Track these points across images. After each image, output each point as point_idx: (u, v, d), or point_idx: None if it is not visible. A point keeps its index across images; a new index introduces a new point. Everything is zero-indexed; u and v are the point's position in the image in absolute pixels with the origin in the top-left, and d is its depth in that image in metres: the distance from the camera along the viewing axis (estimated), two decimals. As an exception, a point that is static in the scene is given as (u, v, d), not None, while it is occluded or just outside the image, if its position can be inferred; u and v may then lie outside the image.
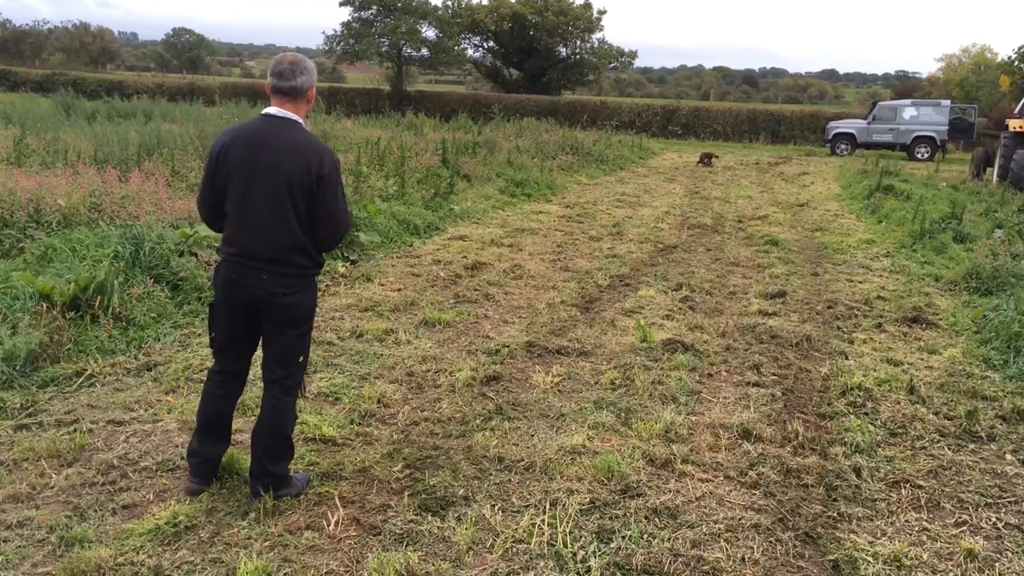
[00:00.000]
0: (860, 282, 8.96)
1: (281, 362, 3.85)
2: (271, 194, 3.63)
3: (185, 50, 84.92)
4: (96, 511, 3.68)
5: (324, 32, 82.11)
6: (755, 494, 4.13)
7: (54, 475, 4.01)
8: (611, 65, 50.47)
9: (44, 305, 5.61)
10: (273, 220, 3.64)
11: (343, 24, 44.36)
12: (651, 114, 39.05)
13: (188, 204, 8.52)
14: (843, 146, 29.77)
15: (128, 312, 6.07)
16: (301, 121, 3.76)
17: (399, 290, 7.89)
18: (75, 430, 4.49)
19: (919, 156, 28.34)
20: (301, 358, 3.91)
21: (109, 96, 31.34)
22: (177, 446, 4.40)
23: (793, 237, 11.83)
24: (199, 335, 6.19)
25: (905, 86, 58.36)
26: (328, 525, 3.69)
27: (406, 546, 3.53)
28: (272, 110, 3.73)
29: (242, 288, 3.71)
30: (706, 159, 22.89)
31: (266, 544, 3.50)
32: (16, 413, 4.69)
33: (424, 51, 45.40)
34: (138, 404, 4.90)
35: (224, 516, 3.71)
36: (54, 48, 70.11)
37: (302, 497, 3.91)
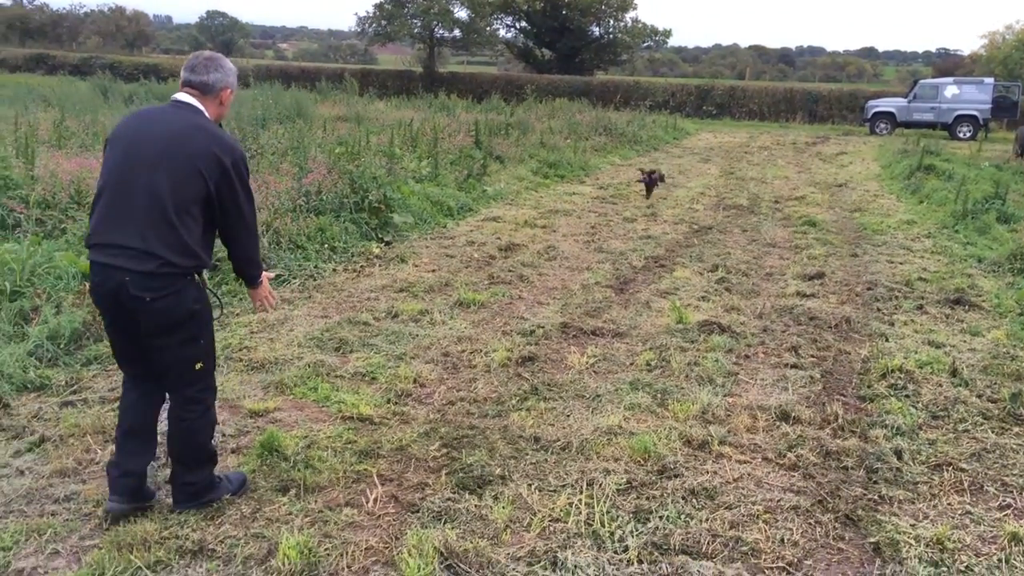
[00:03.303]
0: (901, 263, 8.82)
1: (170, 372, 3.44)
2: (159, 175, 3.19)
3: (219, 33, 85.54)
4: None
5: (356, 14, 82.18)
6: (794, 476, 4.10)
7: (99, 450, 4.09)
8: (645, 44, 49.98)
9: (87, 285, 5.69)
10: (154, 206, 3.18)
11: (375, 5, 44.38)
12: (685, 94, 38.64)
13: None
14: (883, 125, 29.23)
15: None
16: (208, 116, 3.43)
17: (433, 271, 7.91)
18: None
19: (961, 135, 27.74)
20: (199, 365, 3.44)
21: (145, 79, 31.70)
22: (218, 424, 4.45)
23: (831, 218, 11.67)
24: (236, 314, 6.26)
25: (947, 64, 57.11)
26: (367, 502, 3.72)
27: (444, 523, 3.55)
28: (181, 96, 3.42)
29: (107, 294, 3.27)
30: (648, 179, 13.09)
31: (306, 520, 3.55)
32: (61, 390, 4.78)
33: (456, 32, 45.32)
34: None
35: (265, 492, 3.76)
36: (90, 32, 70.87)
37: (341, 474, 3.94)
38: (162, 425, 3.62)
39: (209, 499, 3.60)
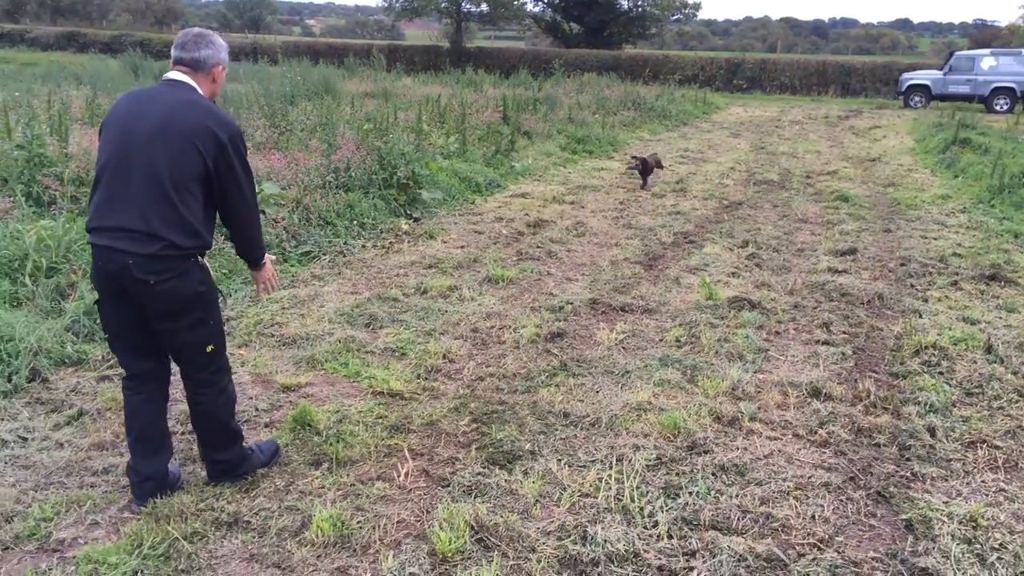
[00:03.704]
0: (935, 239, 8.68)
1: (182, 357, 3.42)
2: (156, 152, 3.15)
3: (247, 9, 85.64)
4: (176, 458, 3.81)
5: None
6: (825, 452, 4.08)
7: (136, 424, 4.16)
8: (674, 17, 49.36)
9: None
10: (153, 185, 3.14)
11: (402, -20, 44.17)
12: (715, 67, 38.11)
13: (255, 163, 8.64)
14: (917, 98, 28.66)
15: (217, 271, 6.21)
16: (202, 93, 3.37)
17: (462, 247, 7.92)
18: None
19: (998, 108, 27.13)
20: (209, 348, 3.41)
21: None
22: (251, 398, 4.52)
23: (864, 193, 11.50)
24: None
25: (983, 35, 55.84)
26: (398, 476, 3.76)
27: (475, 498, 3.58)
28: (173, 74, 3.36)
29: (110, 279, 3.22)
30: (640, 164, 11.44)
31: (339, 493, 3.59)
32: (98, 365, 4.86)
33: (483, 6, 45.01)
34: (212, 357, 5.02)
35: (298, 466, 3.82)
36: (120, 9, 71.24)
37: (372, 448, 3.99)
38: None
39: (242, 472, 3.63)
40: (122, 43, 41.29)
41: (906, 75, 30.23)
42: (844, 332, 5.79)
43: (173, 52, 3.39)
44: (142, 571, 3.03)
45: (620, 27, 46.81)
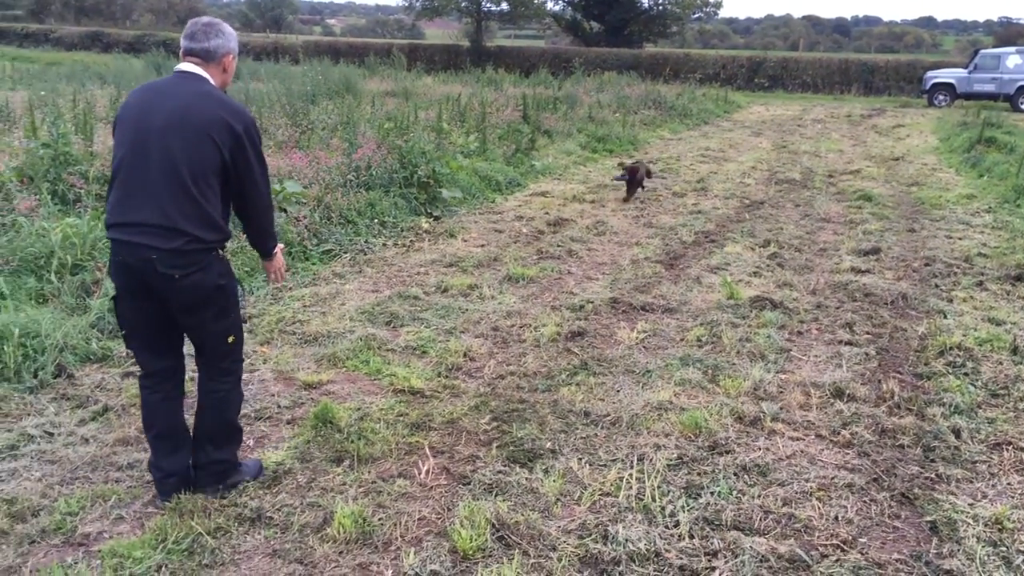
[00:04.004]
0: (960, 238, 8.59)
1: (204, 348, 3.44)
2: (172, 146, 3.13)
3: (267, 9, 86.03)
4: (199, 455, 3.83)
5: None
6: (848, 453, 4.05)
7: (159, 420, 4.19)
8: (695, 15, 49.12)
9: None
10: (171, 179, 3.12)
11: (422, -20, 44.25)
12: (736, 66, 37.89)
13: (277, 161, 8.70)
14: (941, 97, 28.36)
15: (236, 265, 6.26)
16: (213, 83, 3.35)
17: (482, 246, 7.93)
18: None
19: (1023, 107, 26.82)
20: (231, 339, 3.44)
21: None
22: (273, 395, 4.55)
23: (887, 192, 11.40)
24: (290, 288, 6.36)
25: (1009, 33, 55.19)
26: (419, 474, 3.77)
27: (495, 496, 3.58)
28: (184, 66, 3.33)
29: (133, 274, 3.21)
30: (627, 175, 10.39)
31: (360, 490, 3.61)
32: (122, 361, 4.90)
33: (503, 5, 44.98)
34: (235, 354, 5.05)
35: (319, 463, 3.83)
36: (143, 9, 71.90)
37: (393, 446, 4.00)
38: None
39: (234, 481, 3.57)
40: (145, 43, 41.66)
41: (930, 73, 29.92)
42: (867, 332, 5.74)
43: (183, 43, 3.35)
44: (166, 565, 3.06)
45: (641, 25, 46.67)
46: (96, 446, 3.95)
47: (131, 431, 4.06)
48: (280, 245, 3.79)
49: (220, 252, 3.33)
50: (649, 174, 10.83)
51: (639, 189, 10.50)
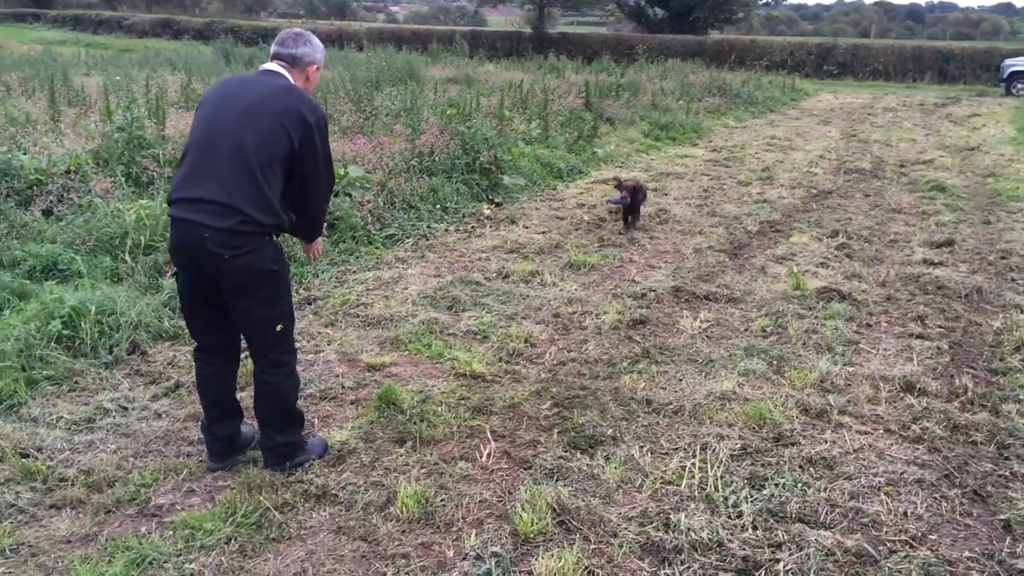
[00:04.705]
0: (1038, 231, 8.28)
1: (253, 334, 3.48)
2: (245, 130, 3.23)
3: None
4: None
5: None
6: (919, 449, 3.95)
7: (228, 398, 4.29)
8: (762, 2, 48.23)
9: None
10: (238, 160, 3.21)
11: (486, -34, 44.22)
12: (804, 53, 37.00)
13: (342, 146, 8.80)
14: (1020, 85, 27.27)
15: (289, 249, 6.37)
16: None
17: (543, 232, 7.92)
18: (246, 357, 4.78)
19: (1107, 95, 25.68)
20: (279, 327, 3.46)
21: (264, 42, 32.66)
22: (338, 376, 4.63)
23: (962, 183, 11.04)
24: (354, 272, 6.44)
25: (1095, 18, 52.74)
26: (480, 457, 3.80)
27: (556, 481, 3.59)
28: (270, 65, 3.51)
29: (186, 251, 3.31)
30: (625, 201, 8.01)
31: (423, 471, 3.65)
32: (191, 340, 5.02)
33: (567, -8, 44.72)
34: (301, 336, 5.14)
35: (382, 443, 3.89)
36: (212, -3, 73.34)
37: (455, 428, 4.03)
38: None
39: (300, 461, 3.62)
40: (214, 30, 42.53)
41: (1008, 61, 28.77)
42: (940, 326, 5.58)
43: (272, 48, 3.53)
44: (235, 538, 3.14)
45: (706, 12, 45.86)
46: (168, 421, 4.07)
47: (200, 407, 4.16)
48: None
49: (274, 238, 3.39)
50: (644, 195, 8.45)
51: (637, 215, 8.27)
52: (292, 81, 3.46)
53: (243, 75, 3.57)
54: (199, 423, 3.80)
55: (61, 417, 4.02)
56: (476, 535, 3.20)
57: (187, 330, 4.96)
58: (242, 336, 3.58)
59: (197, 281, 3.38)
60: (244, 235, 3.22)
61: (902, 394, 4.53)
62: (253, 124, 3.24)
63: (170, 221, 3.36)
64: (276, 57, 3.50)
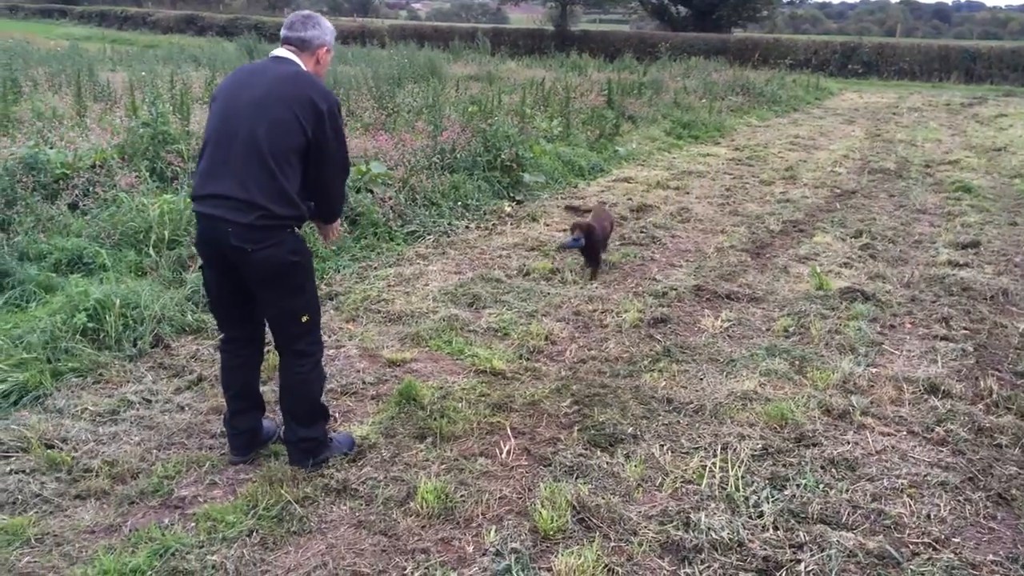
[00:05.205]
0: (1066, 233, 8.17)
1: (279, 327, 3.50)
2: (257, 121, 3.23)
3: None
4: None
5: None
6: (942, 451, 3.91)
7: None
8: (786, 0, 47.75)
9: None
10: (253, 153, 3.21)
11: (508, -36, 44.17)
12: (829, 52, 36.67)
13: (363, 143, 8.83)
14: (1048, 85, 26.94)
15: (311, 244, 6.40)
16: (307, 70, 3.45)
17: (564, 230, 7.89)
18: (268, 351, 4.81)
19: None
20: (305, 318, 3.46)
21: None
22: (358, 371, 4.65)
23: (988, 184, 10.91)
24: (375, 268, 6.47)
25: None
26: (500, 453, 3.80)
27: (576, 478, 3.59)
28: (279, 51, 3.48)
29: (211, 245, 3.36)
30: (579, 242, 6.24)
31: (443, 467, 3.66)
32: (215, 333, 5.03)
33: (589, -11, 44.59)
34: (322, 331, 5.11)
35: (403, 439, 3.90)
36: (236, -6, 73.76)
37: (475, 425, 4.03)
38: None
39: (323, 457, 3.63)
40: (238, 26, 42.74)
41: (1037, 60, 28.39)
42: (965, 328, 5.52)
43: (282, 32, 3.50)
44: (257, 531, 3.16)
45: (729, 10, 45.56)
46: (191, 414, 4.11)
47: (223, 401, 4.18)
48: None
49: (295, 230, 3.40)
50: (612, 226, 7.13)
51: (599, 259, 6.60)
52: (302, 66, 3.44)
53: (254, 64, 3.53)
54: (221, 416, 3.83)
55: (86, 409, 4.07)
56: (496, 531, 3.21)
57: (214, 323, 5.07)
58: (268, 328, 3.61)
59: (223, 274, 3.43)
60: (265, 229, 3.24)
61: (926, 396, 4.49)
62: (265, 115, 3.24)
63: (195, 216, 3.41)
64: (285, 41, 3.48)
